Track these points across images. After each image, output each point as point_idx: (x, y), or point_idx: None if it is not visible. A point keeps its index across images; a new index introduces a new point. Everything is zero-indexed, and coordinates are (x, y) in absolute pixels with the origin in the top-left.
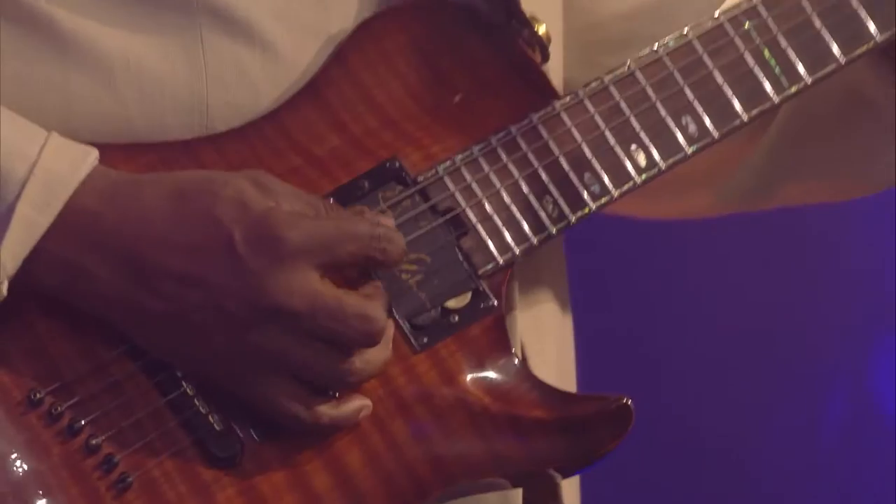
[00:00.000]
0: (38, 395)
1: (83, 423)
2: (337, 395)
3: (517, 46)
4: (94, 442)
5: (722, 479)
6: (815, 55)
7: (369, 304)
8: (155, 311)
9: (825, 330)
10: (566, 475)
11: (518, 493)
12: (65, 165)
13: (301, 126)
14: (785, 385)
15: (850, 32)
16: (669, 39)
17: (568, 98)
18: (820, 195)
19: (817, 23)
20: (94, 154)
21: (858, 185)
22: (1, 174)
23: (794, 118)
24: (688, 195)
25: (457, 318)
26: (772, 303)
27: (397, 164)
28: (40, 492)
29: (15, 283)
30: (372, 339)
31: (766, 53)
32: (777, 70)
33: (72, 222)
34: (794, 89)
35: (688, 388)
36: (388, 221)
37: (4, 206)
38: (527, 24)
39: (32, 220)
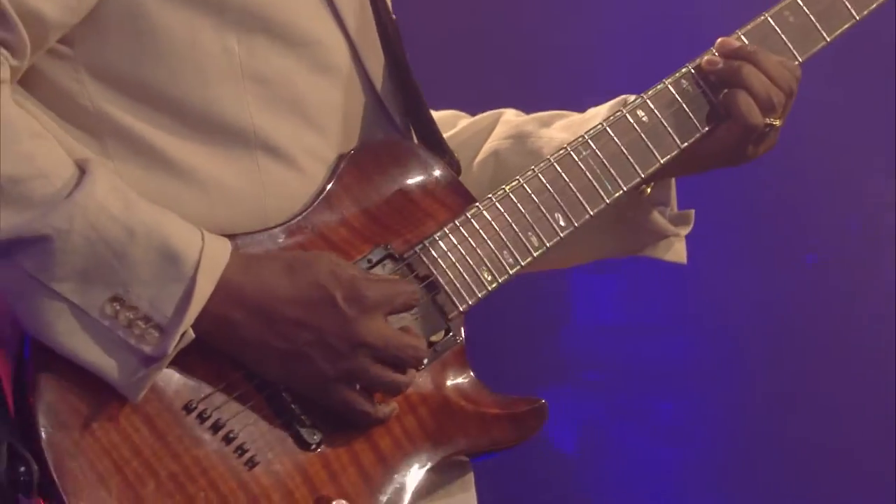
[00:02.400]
0: (193, 405)
1: (223, 421)
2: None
3: (444, 167)
4: (231, 435)
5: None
6: (625, 173)
7: (418, 340)
8: (279, 347)
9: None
10: (498, 452)
11: (471, 477)
12: (219, 250)
13: (321, 223)
14: None
15: (643, 157)
16: (537, 164)
17: (485, 201)
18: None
19: (626, 152)
20: (229, 241)
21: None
22: (183, 256)
23: None
24: None
25: (438, 348)
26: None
27: (389, 247)
28: (199, 469)
29: None
30: (419, 363)
31: (597, 171)
32: (606, 183)
33: (223, 287)
34: (617, 194)
35: None
36: (410, 281)
37: (187, 277)
38: (448, 151)
39: (204, 286)
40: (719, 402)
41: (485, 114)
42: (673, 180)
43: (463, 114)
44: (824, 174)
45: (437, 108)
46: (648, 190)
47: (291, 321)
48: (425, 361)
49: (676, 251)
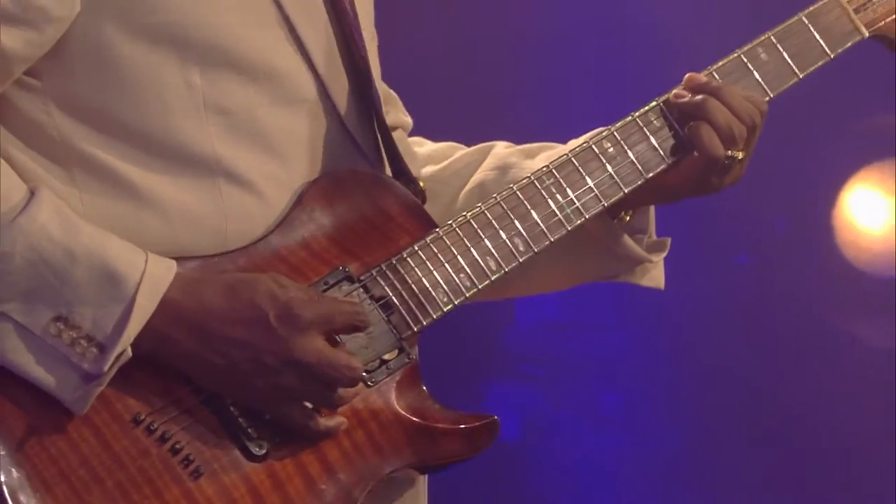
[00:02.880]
0: (140, 417)
1: (170, 434)
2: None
3: (408, 195)
4: (177, 447)
5: None
6: (588, 203)
7: (353, 359)
8: (217, 364)
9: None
10: (451, 465)
11: (424, 490)
12: (161, 271)
13: (281, 246)
14: None
15: (606, 189)
16: (501, 191)
17: (445, 227)
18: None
19: (589, 181)
20: (175, 263)
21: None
22: (125, 278)
23: None
24: None
25: (390, 367)
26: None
27: (347, 269)
28: (144, 478)
29: None
30: (353, 382)
31: (560, 199)
32: (567, 211)
33: (164, 307)
34: (579, 221)
35: None
36: (356, 301)
37: (128, 298)
38: (414, 181)
39: (144, 307)
40: (657, 395)
41: (477, 146)
42: (652, 208)
43: (459, 145)
44: (752, 176)
45: (428, 127)
46: (628, 217)
47: (227, 339)
48: (378, 379)
49: (653, 277)
